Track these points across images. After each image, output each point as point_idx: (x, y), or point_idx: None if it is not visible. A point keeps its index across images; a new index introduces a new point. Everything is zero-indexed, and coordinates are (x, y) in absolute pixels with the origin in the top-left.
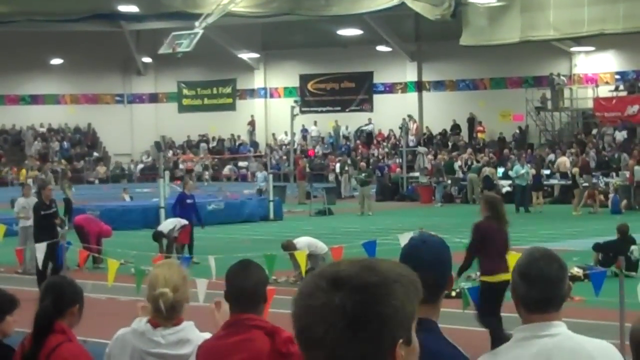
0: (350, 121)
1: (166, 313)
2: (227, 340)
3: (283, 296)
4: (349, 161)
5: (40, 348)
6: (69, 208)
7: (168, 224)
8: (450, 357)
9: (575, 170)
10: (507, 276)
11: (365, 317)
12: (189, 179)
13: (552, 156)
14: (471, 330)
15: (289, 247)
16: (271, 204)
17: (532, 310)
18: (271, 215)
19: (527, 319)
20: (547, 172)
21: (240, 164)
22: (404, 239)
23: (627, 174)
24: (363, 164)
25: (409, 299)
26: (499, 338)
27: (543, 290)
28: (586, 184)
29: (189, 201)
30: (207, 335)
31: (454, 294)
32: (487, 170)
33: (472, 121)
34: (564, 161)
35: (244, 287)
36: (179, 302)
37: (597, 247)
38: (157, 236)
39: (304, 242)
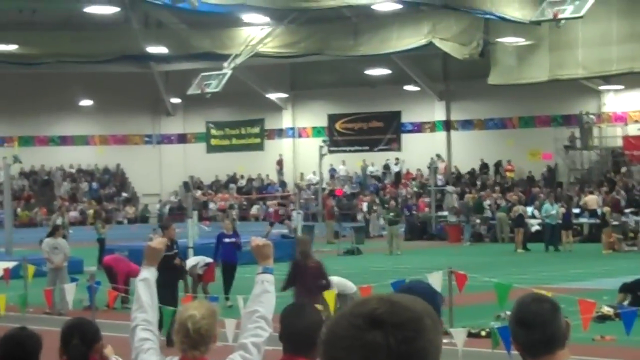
0: (378, 161)
1: (193, 337)
2: None
3: None
4: (377, 200)
5: None
6: (102, 248)
7: (191, 261)
8: None
9: (607, 209)
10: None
11: (408, 353)
12: (225, 217)
13: (581, 195)
14: None
15: None
16: None
17: (536, 354)
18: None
19: None
20: (577, 210)
21: (269, 202)
22: (433, 278)
23: None
24: (392, 202)
25: (438, 332)
26: None
27: (541, 331)
28: (616, 223)
29: (226, 240)
30: None
31: (483, 333)
32: (519, 209)
33: (499, 163)
34: (593, 199)
35: (298, 328)
36: (206, 332)
37: (623, 289)
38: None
39: (333, 281)
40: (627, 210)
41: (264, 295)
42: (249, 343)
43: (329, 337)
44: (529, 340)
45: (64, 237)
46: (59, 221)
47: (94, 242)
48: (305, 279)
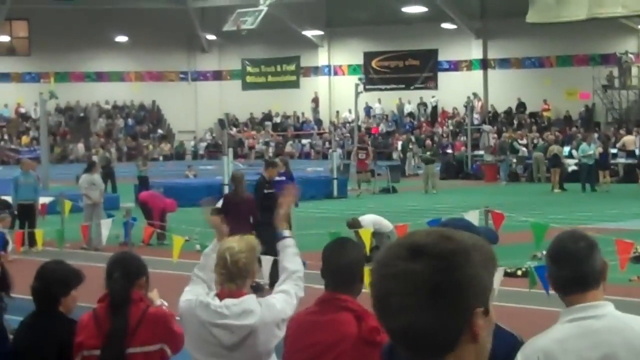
0: (414, 99)
1: (230, 270)
2: (318, 318)
3: None
4: (412, 139)
5: (125, 317)
6: (142, 186)
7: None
8: (493, 332)
9: None
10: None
11: (445, 285)
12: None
13: (618, 135)
14: (538, 309)
15: (354, 224)
16: (335, 182)
17: (568, 292)
18: (335, 193)
19: (568, 302)
20: (614, 150)
21: (303, 141)
22: (470, 217)
23: None
24: (429, 142)
25: (486, 268)
26: None
27: (573, 269)
28: None
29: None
30: (275, 304)
31: (520, 273)
32: (555, 149)
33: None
34: (631, 139)
35: (339, 265)
36: (244, 265)
37: None
38: (216, 212)
39: (369, 219)
40: None
41: (293, 257)
42: (291, 290)
43: (376, 266)
44: (560, 276)
45: (112, 172)
46: (107, 155)
47: (131, 178)
48: (237, 213)
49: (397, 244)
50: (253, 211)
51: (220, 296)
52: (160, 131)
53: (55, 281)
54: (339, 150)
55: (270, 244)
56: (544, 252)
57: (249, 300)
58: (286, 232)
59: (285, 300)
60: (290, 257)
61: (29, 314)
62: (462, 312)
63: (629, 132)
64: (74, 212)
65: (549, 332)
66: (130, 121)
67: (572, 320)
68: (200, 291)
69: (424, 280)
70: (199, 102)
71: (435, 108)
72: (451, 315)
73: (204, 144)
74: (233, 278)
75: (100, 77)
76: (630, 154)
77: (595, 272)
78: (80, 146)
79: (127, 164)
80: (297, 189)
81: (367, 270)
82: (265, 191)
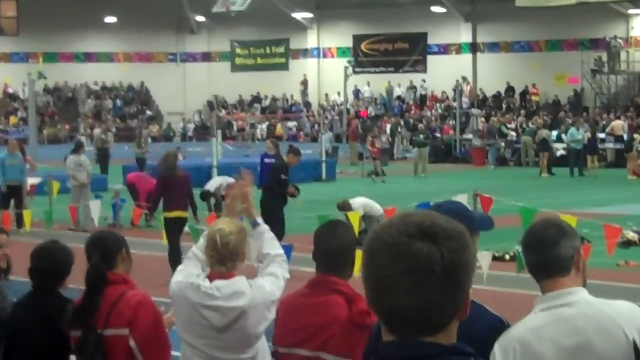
0: (403, 82)
1: (220, 251)
2: (308, 300)
3: None
4: (401, 122)
5: (97, 301)
6: (142, 168)
7: (214, 182)
8: (480, 316)
9: (637, 136)
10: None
11: (457, 264)
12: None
13: (607, 119)
14: (526, 293)
15: (345, 207)
16: (324, 164)
17: (538, 277)
18: (324, 176)
19: (541, 288)
20: (602, 135)
21: (289, 124)
22: (459, 200)
23: None
24: (421, 125)
25: (475, 249)
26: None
27: (539, 255)
28: None
29: (266, 160)
30: (265, 285)
31: (507, 257)
32: (543, 133)
33: (525, 90)
34: (619, 124)
35: (330, 247)
36: (234, 247)
37: None
38: (205, 195)
39: (359, 202)
40: None
41: (271, 242)
42: (278, 272)
43: (375, 244)
44: (529, 261)
45: (107, 154)
46: (103, 137)
47: (119, 159)
48: (172, 190)
49: (400, 223)
50: (188, 188)
51: (211, 278)
52: (148, 112)
53: (61, 261)
54: (329, 133)
55: (275, 229)
56: None
57: (240, 281)
58: (259, 219)
59: (273, 282)
60: (269, 242)
61: (27, 294)
62: (463, 291)
63: (617, 117)
64: (63, 193)
65: (524, 322)
66: (118, 102)
67: (545, 309)
68: (192, 271)
69: (440, 261)
70: (187, 84)
71: (424, 93)
72: (456, 295)
73: (192, 126)
74: (223, 260)
75: (88, 57)
76: (619, 138)
77: (562, 259)
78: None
79: (115, 145)
80: (250, 173)
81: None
82: (282, 176)
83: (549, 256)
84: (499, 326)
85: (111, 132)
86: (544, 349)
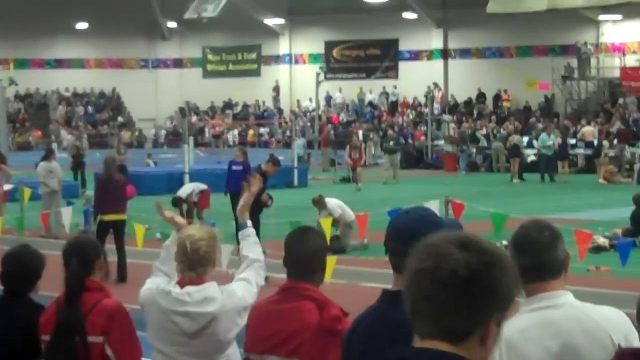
0: (375, 88)
1: (190, 257)
2: (279, 306)
3: None
4: (373, 128)
5: (77, 307)
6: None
7: (186, 189)
8: None
9: (605, 142)
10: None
11: (483, 276)
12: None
13: (577, 125)
14: None
15: (320, 202)
16: (295, 171)
17: (529, 280)
18: (295, 182)
19: (528, 291)
20: (573, 141)
21: (262, 130)
22: (430, 206)
23: None
24: (392, 132)
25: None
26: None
27: (534, 257)
28: (612, 154)
29: (234, 168)
30: (236, 291)
31: None
32: (515, 139)
33: (498, 96)
34: (590, 130)
35: (301, 253)
36: (205, 253)
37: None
38: (177, 201)
39: (335, 202)
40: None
41: (253, 246)
42: (252, 278)
43: (422, 245)
44: (521, 263)
45: (82, 162)
46: (78, 144)
47: (90, 166)
48: (110, 194)
49: (445, 236)
50: (124, 192)
51: (181, 284)
52: (120, 119)
53: (31, 265)
54: (303, 139)
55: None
56: (504, 242)
57: (210, 287)
58: (248, 223)
59: (245, 287)
60: (251, 246)
61: None
62: (485, 307)
63: (588, 123)
64: (34, 200)
65: (511, 322)
66: (90, 109)
67: (532, 310)
68: (161, 281)
69: (467, 267)
70: (159, 90)
71: (395, 99)
72: (476, 307)
73: (164, 132)
74: (193, 266)
75: (60, 64)
76: (589, 144)
77: (556, 262)
78: (64, 133)
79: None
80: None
81: (330, 259)
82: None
83: (544, 258)
84: None
85: (86, 139)
86: (529, 350)
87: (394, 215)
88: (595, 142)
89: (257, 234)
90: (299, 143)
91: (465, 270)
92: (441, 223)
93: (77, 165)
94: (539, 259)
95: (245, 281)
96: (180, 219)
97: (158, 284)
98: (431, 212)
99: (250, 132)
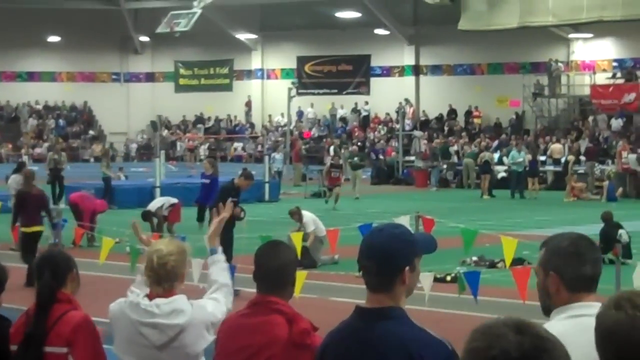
0: (347, 104)
1: (158, 272)
2: (249, 320)
3: None
4: (342, 143)
5: (45, 318)
6: (108, 188)
7: (156, 202)
8: (424, 341)
9: (571, 157)
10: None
11: (533, 357)
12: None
13: (548, 142)
14: (466, 315)
15: (297, 214)
16: (267, 185)
17: (582, 290)
18: (266, 197)
19: (567, 300)
20: (543, 158)
21: (236, 144)
22: (401, 222)
23: (617, 161)
24: (355, 147)
25: None
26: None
27: (591, 268)
28: (582, 171)
29: (202, 180)
30: (206, 306)
31: (449, 278)
32: (486, 155)
33: (469, 113)
34: (558, 148)
35: (271, 267)
36: (173, 268)
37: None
38: (146, 215)
39: (310, 216)
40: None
41: (223, 272)
42: (222, 299)
43: (480, 328)
44: (582, 274)
45: (60, 173)
46: (56, 157)
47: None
48: (28, 206)
49: (504, 319)
50: (43, 205)
51: (150, 298)
52: (91, 132)
53: None
54: (281, 155)
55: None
56: (474, 258)
57: (180, 300)
58: (219, 249)
59: (215, 305)
60: (221, 271)
61: None
62: None
63: (557, 141)
64: (4, 213)
65: (547, 327)
66: (61, 122)
67: (569, 317)
68: (130, 295)
69: (520, 349)
70: (131, 104)
71: (367, 115)
72: None
73: (135, 146)
74: (160, 281)
75: (31, 77)
76: (558, 162)
77: (599, 276)
78: (44, 146)
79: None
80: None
81: (300, 273)
82: (231, 199)
83: (598, 272)
84: (445, 354)
85: (64, 153)
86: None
87: (367, 233)
88: (563, 160)
89: (231, 248)
90: (277, 157)
91: (517, 352)
92: (414, 240)
93: (55, 178)
94: (596, 270)
95: (215, 300)
96: (143, 236)
97: (127, 297)
98: (404, 230)
99: (233, 147)
